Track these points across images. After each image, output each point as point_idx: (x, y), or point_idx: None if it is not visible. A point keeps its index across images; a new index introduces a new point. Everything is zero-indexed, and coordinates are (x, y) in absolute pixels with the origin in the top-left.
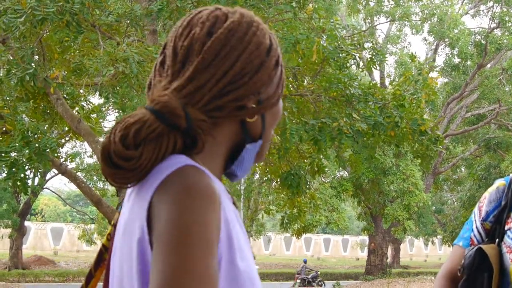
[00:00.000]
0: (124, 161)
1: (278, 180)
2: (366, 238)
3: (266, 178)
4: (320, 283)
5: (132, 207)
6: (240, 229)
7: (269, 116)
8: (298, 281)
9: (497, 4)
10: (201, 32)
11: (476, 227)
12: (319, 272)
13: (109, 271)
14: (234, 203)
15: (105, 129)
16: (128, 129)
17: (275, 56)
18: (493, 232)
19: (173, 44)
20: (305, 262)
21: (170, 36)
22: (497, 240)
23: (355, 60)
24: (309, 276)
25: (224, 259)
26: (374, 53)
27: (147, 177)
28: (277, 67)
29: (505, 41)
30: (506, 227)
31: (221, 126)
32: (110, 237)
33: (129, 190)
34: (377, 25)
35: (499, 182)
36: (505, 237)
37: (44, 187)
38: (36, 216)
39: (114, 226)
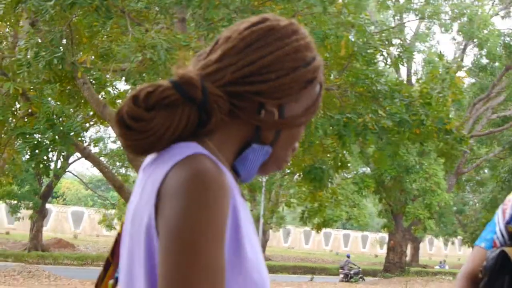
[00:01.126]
0: (134, 121)
1: (301, 173)
2: (386, 235)
3: (288, 171)
4: (361, 278)
5: (142, 193)
6: (247, 218)
7: (284, 135)
8: (341, 275)
9: None
10: (243, 26)
11: (500, 230)
12: (361, 269)
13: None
14: (242, 194)
15: None
16: (140, 91)
17: (312, 73)
18: None
19: (219, 37)
20: (348, 257)
21: None
22: None
23: (382, 56)
24: (352, 272)
25: (229, 246)
26: (402, 50)
27: (156, 162)
28: (310, 85)
29: None
30: None
31: (237, 120)
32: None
33: (139, 178)
34: (406, 22)
35: None
36: None
37: (66, 170)
38: (57, 199)
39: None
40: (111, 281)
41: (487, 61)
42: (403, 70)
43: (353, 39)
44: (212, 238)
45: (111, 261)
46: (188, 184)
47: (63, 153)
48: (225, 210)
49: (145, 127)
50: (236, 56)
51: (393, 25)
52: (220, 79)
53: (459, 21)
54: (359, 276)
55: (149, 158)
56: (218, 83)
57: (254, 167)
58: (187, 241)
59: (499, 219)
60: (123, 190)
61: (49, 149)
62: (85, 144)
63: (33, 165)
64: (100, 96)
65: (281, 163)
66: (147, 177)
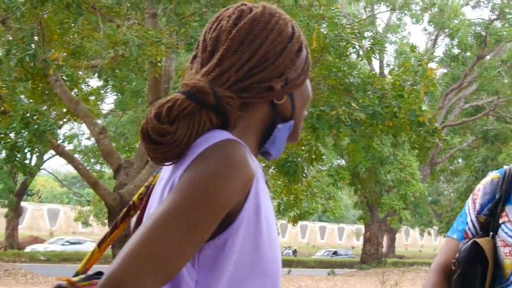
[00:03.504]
0: (160, 136)
1: (275, 166)
2: (362, 227)
3: (263, 164)
4: None
5: (172, 173)
6: (268, 203)
7: (297, 97)
8: None
9: None
10: (227, 24)
11: (471, 220)
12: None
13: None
14: (266, 182)
15: (103, 112)
16: (161, 108)
17: (297, 43)
18: (487, 225)
19: (203, 38)
20: None
21: (202, 33)
22: (491, 233)
23: (355, 49)
24: None
25: (248, 225)
26: (374, 42)
27: (189, 150)
28: (299, 52)
29: (504, 33)
30: (501, 221)
31: (253, 108)
32: (141, 196)
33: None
34: (377, 13)
35: (493, 175)
36: (499, 230)
37: (41, 168)
38: (32, 196)
39: (147, 187)
40: None
41: (458, 51)
42: (375, 62)
43: (324, 32)
44: (209, 209)
45: (118, 226)
46: (214, 162)
47: (39, 152)
48: (236, 195)
49: (171, 139)
50: (234, 56)
51: (364, 17)
52: (227, 81)
53: (429, 12)
54: None
55: None
56: (226, 85)
57: (282, 143)
58: (188, 199)
59: (469, 210)
60: (98, 187)
61: (26, 149)
62: (59, 142)
63: (10, 166)
64: (73, 93)
65: (301, 123)
66: (180, 161)
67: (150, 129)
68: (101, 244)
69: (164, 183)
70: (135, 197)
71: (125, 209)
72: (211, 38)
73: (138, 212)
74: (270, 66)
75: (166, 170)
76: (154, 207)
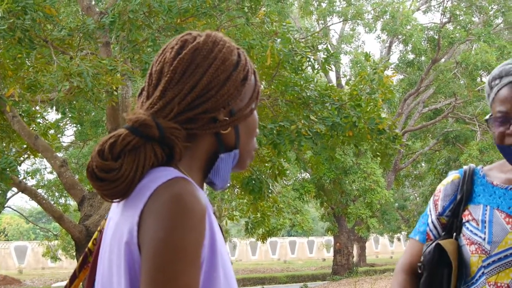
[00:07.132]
0: (105, 173)
1: (240, 186)
2: (331, 238)
3: (228, 184)
4: None
5: (123, 213)
6: (220, 233)
7: (243, 127)
8: None
9: None
10: (170, 55)
11: (432, 222)
12: None
13: (93, 272)
14: (214, 212)
15: (64, 145)
16: (104, 144)
17: (243, 71)
18: (450, 226)
19: (150, 71)
20: None
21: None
22: (454, 234)
23: (310, 62)
24: None
25: (206, 261)
26: (328, 55)
27: (138, 186)
28: (245, 80)
29: (457, 35)
30: (464, 220)
31: (198, 139)
32: (96, 242)
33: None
34: (330, 25)
35: (454, 175)
36: (464, 229)
37: (5, 206)
38: None
39: (100, 232)
40: None
41: (413, 56)
42: (332, 73)
43: (278, 48)
44: (190, 261)
45: (77, 275)
46: (171, 208)
47: (1, 190)
48: (203, 233)
49: (116, 176)
50: (176, 87)
51: (317, 29)
52: (170, 112)
53: (382, 20)
54: None
55: None
56: (169, 116)
57: (227, 174)
58: (167, 262)
59: (431, 211)
60: (63, 220)
61: None
62: (21, 178)
63: None
64: (31, 128)
65: (251, 153)
66: (129, 199)
67: (94, 166)
68: None
69: (115, 225)
70: (90, 244)
71: (82, 257)
72: (155, 71)
73: (93, 257)
74: (215, 96)
75: (114, 210)
76: (106, 250)
